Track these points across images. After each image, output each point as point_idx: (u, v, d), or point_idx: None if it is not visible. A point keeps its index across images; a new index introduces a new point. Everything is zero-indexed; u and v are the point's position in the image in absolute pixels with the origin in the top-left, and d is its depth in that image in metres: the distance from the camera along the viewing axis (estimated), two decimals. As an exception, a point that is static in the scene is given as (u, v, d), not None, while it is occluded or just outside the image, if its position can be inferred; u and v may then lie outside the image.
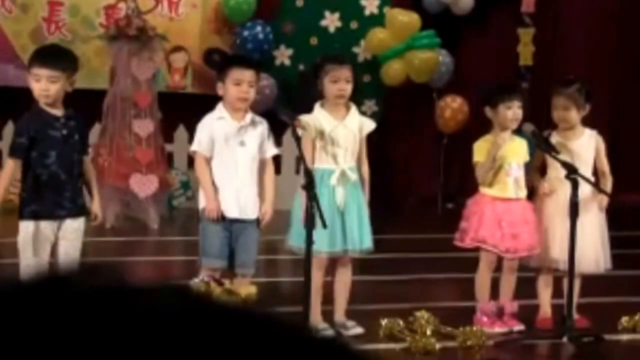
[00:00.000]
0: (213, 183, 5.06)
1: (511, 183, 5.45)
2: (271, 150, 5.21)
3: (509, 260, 5.46)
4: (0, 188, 4.87)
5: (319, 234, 4.90)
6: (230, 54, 9.31)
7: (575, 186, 5.09)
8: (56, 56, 5.04)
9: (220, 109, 5.12)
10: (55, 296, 0.67)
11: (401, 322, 5.23)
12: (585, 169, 5.36)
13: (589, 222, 5.35)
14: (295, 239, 5.15)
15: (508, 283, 5.51)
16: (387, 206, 8.73)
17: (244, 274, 5.14)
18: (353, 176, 5.19)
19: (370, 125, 5.35)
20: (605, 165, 5.61)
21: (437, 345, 5.01)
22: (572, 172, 5.13)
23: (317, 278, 5.12)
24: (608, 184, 5.56)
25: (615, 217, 9.68)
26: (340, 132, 5.18)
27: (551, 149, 5.31)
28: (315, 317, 5.17)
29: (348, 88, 5.18)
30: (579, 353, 5.00)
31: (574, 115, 5.52)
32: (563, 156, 5.36)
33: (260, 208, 5.12)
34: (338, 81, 5.14)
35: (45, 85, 4.86)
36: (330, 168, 5.16)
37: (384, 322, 5.25)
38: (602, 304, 6.02)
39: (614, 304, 6.01)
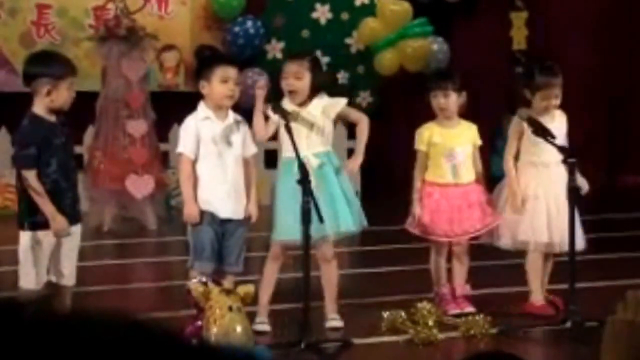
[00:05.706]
0: (196, 184, 5.00)
1: (449, 169, 5.47)
2: (251, 149, 5.19)
3: (455, 245, 5.49)
4: (47, 205, 4.62)
5: (287, 222, 4.93)
6: (214, 52, 9.25)
7: (571, 171, 5.05)
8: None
9: (203, 109, 5.08)
10: (7, 325, 0.73)
11: (403, 314, 5.20)
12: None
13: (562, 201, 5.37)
14: (279, 234, 5.15)
15: (455, 268, 5.53)
16: (387, 196, 8.69)
17: (233, 272, 5.11)
18: (316, 162, 5.13)
19: (338, 102, 5.30)
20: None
21: (440, 336, 4.99)
22: (568, 156, 5.09)
23: (270, 269, 5.16)
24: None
25: (612, 199, 9.67)
26: (299, 120, 5.14)
27: (547, 135, 5.27)
28: (261, 310, 5.15)
29: (296, 83, 5.16)
30: (583, 338, 4.95)
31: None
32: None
33: (246, 207, 5.10)
34: (287, 78, 5.16)
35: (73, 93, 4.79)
36: (293, 156, 5.05)
37: (385, 314, 5.22)
38: (604, 288, 5.99)
39: (616, 287, 5.97)
